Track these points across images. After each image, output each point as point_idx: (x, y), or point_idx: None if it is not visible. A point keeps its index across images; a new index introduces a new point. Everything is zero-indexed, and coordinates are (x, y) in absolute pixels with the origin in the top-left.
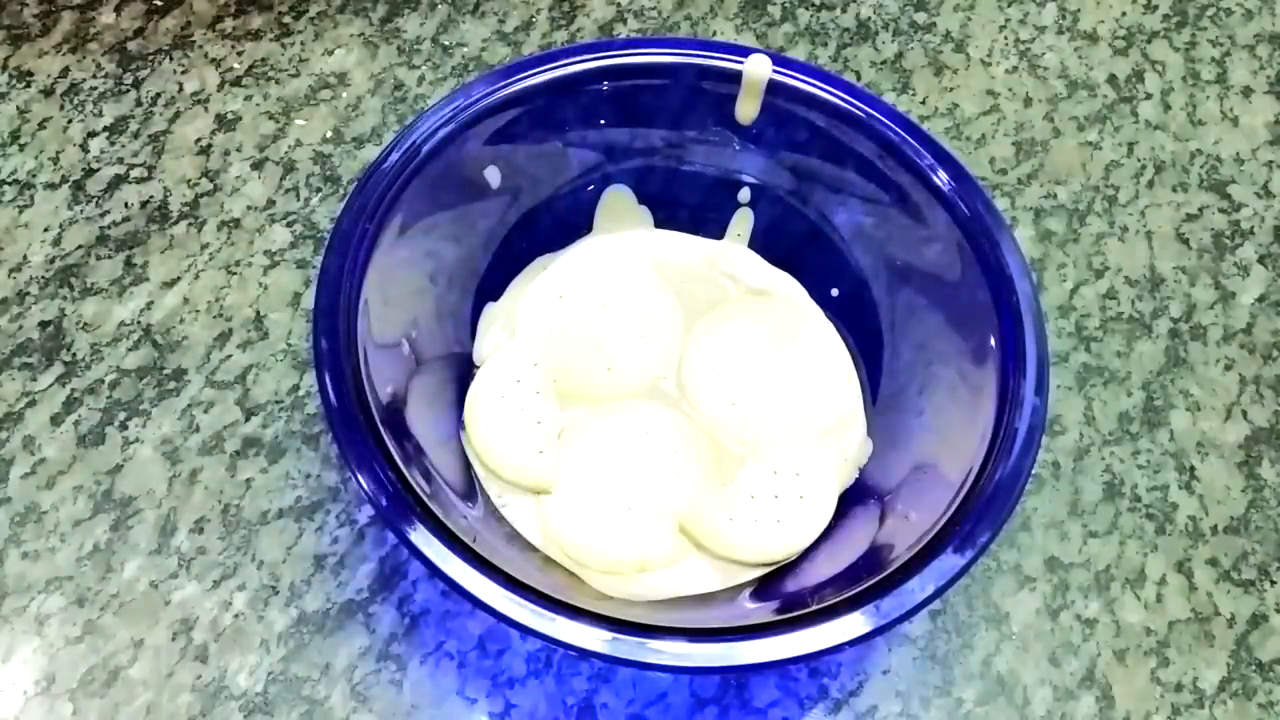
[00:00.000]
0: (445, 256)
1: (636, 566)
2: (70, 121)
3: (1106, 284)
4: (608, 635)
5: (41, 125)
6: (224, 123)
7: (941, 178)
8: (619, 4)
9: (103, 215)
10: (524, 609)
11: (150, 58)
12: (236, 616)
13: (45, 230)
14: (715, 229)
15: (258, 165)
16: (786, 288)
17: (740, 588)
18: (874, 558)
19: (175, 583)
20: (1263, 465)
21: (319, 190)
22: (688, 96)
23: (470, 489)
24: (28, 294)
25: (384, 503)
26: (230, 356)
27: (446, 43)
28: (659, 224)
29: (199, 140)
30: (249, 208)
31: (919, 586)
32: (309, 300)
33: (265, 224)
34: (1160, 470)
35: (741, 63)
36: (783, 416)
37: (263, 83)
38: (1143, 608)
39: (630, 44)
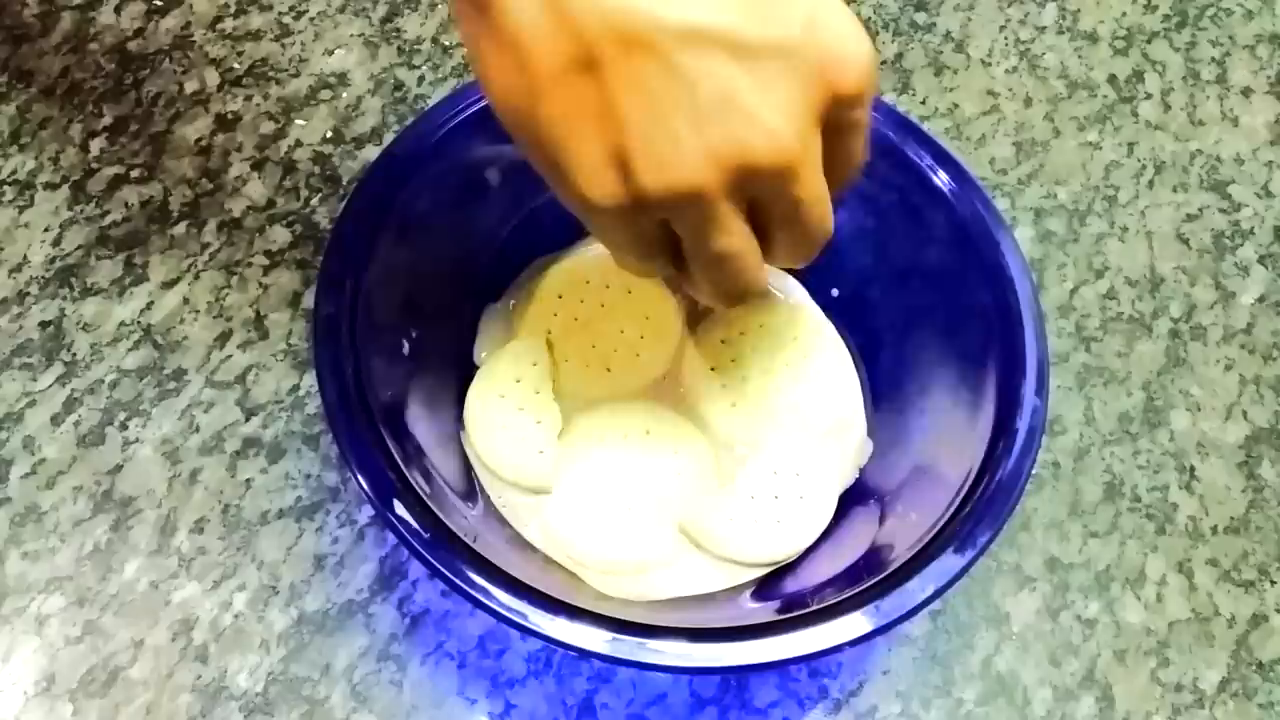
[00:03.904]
0: (445, 256)
1: (636, 566)
2: (70, 121)
3: (1106, 284)
4: (608, 635)
5: (41, 125)
6: (224, 123)
7: (941, 178)
8: None
9: (103, 215)
10: (524, 609)
11: (150, 58)
12: (236, 617)
13: (45, 230)
14: None
15: (258, 165)
16: (787, 288)
17: (740, 588)
18: (874, 558)
19: (175, 583)
20: (1263, 465)
21: (319, 190)
22: None
23: (470, 489)
24: (28, 294)
25: (384, 503)
26: (230, 356)
27: (446, 43)
28: None
29: (199, 140)
30: (249, 208)
31: (919, 586)
32: (309, 300)
33: (265, 224)
34: (1160, 470)
35: None
36: (783, 417)
37: (263, 83)
38: (1143, 608)
39: None
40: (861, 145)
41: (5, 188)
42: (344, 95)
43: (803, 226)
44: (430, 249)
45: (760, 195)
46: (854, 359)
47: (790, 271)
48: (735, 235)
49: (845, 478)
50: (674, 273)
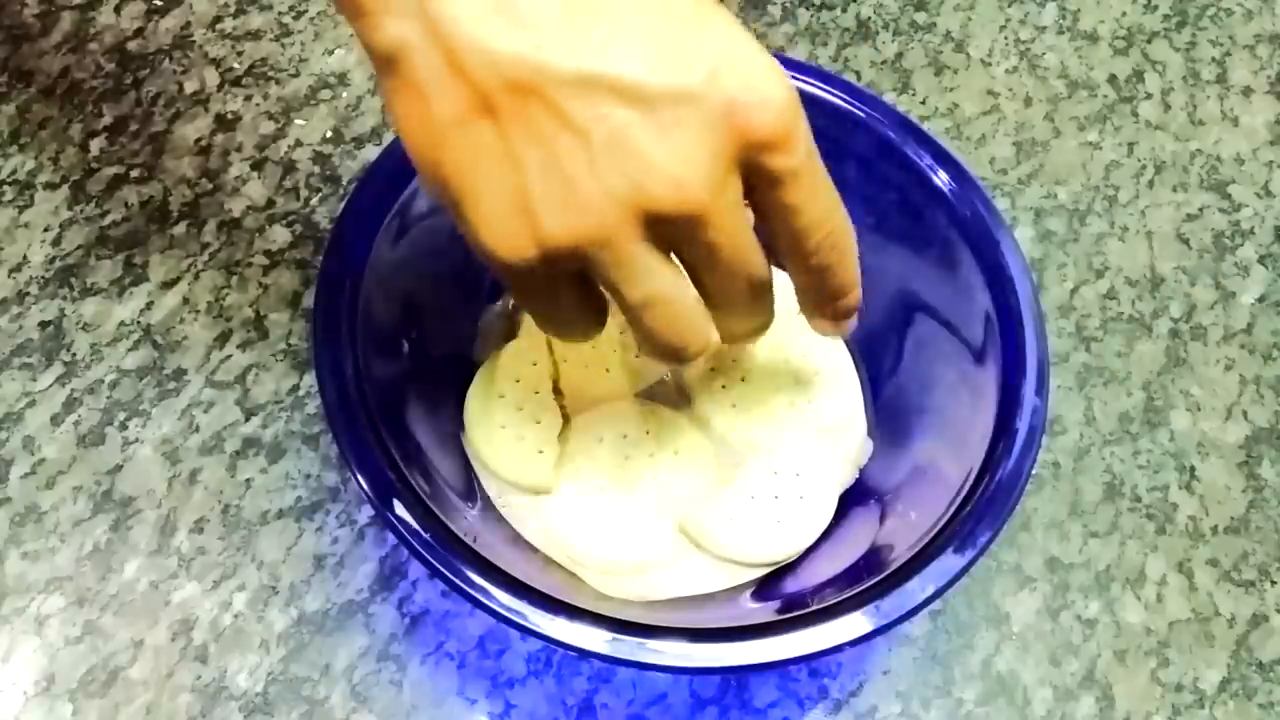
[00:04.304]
0: (445, 256)
1: (636, 566)
2: (70, 121)
3: (1106, 284)
4: (608, 635)
5: (41, 125)
6: (224, 123)
7: (941, 178)
8: None
9: (103, 215)
10: (524, 609)
11: (150, 58)
12: (236, 617)
13: (45, 230)
14: None
15: (258, 165)
16: (787, 288)
17: (740, 588)
18: (874, 558)
19: (175, 583)
20: (1263, 465)
21: (319, 190)
22: None
23: (470, 489)
24: (28, 294)
25: (384, 503)
26: (230, 356)
27: None
28: None
29: (199, 140)
30: (249, 208)
31: (919, 586)
32: (309, 300)
33: (265, 224)
34: (1160, 470)
35: None
36: (783, 417)
37: (263, 83)
38: (1143, 608)
39: None
40: (807, 200)
41: (5, 188)
42: (344, 95)
43: (724, 274)
44: (430, 249)
45: (674, 242)
46: (854, 359)
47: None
48: (657, 279)
49: (845, 478)
50: (598, 334)
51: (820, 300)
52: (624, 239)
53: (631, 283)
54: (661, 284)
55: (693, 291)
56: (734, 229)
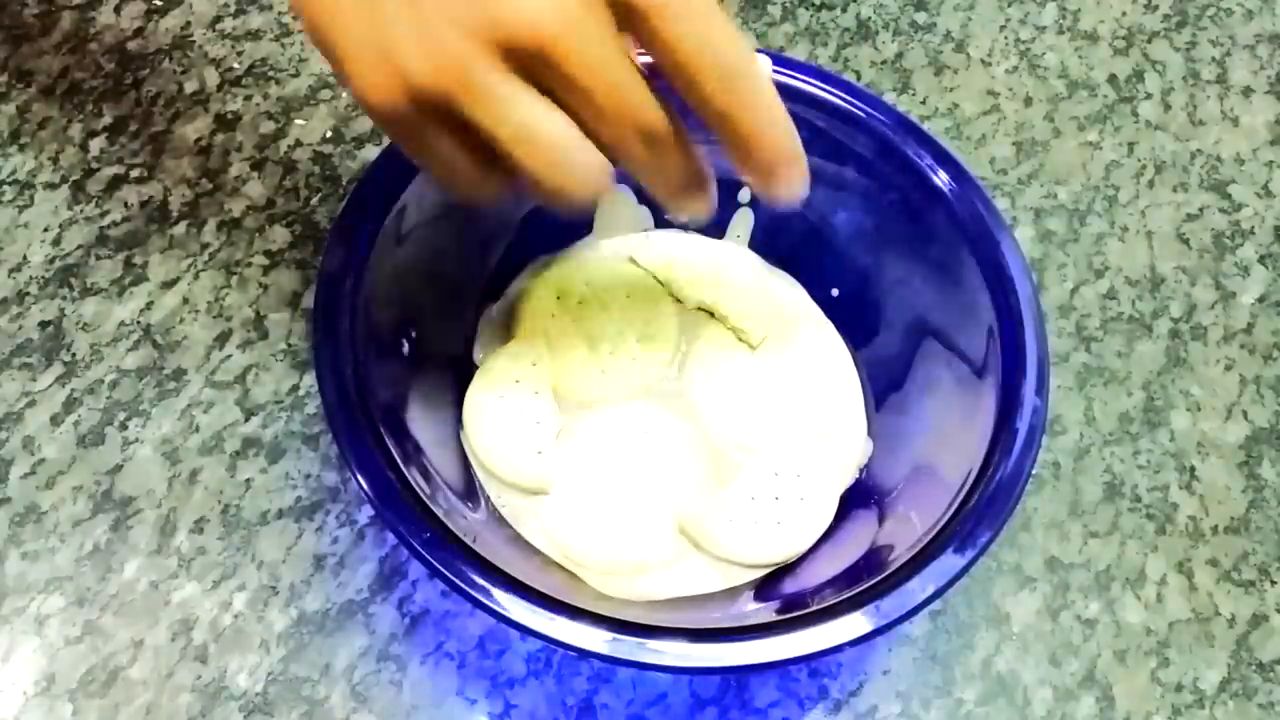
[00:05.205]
0: (445, 256)
1: (636, 567)
2: (70, 121)
3: (1106, 284)
4: (608, 635)
5: (41, 125)
6: (224, 123)
7: (941, 178)
8: None
9: (103, 215)
10: (524, 609)
11: (150, 57)
12: (236, 617)
13: (45, 230)
14: (715, 229)
15: (258, 165)
16: (786, 288)
17: (740, 588)
18: (874, 558)
19: (175, 583)
20: (1263, 465)
21: (319, 190)
22: None
23: (470, 489)
24: (28, 294)
25: (384, 503)
26: (230, 356)
27: None
28: (659, 224)
29: (199, 140)
30: (249, 208)
31: (919, 587)
32: (309, 300)
33: (265, 224)
34: (1160, 470)
35: None
36: (783, 418)
37: (263, 83)
38: (1143, 608)
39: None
40: (686, 33)
41: (5, 188)
42: (344, 95)
43: (598, 113)
44: (430, 249)
45: (540, 78)
46: (854, 359)
47: (790, 271)
48: (523, 109)
49: (845, 478)
50: (494, 195)
51: (738, 153)
52: (484, 72)
53: (499, 116)
54: (529, 114)
55: (571, 125)
56: (599, 62)
